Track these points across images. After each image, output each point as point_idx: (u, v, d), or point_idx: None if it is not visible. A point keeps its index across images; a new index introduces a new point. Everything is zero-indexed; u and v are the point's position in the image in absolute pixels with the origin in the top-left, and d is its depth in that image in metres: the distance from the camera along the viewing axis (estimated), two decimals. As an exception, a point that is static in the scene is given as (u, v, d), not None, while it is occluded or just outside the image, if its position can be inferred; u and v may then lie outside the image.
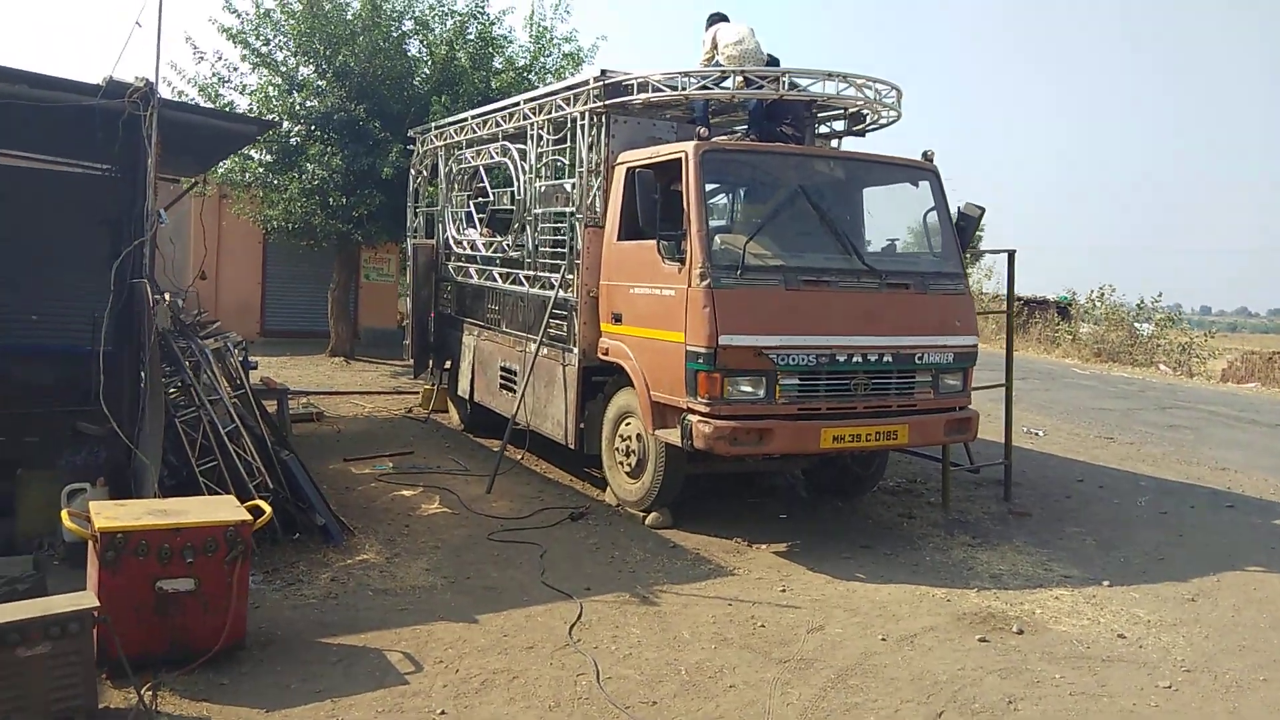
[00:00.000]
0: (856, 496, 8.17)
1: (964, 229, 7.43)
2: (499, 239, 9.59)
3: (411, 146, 12.31)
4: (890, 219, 7.62)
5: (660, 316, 6.76)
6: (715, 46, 7.40)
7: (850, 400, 6.67)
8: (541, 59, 16.01)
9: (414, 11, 15.64)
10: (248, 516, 4.45)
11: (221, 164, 14.02)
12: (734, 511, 7.73)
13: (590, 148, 7.70)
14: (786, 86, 6.92)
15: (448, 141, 10.79)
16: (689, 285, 6.44)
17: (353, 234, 15.24)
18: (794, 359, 6.42)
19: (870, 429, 6.67)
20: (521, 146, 9.00)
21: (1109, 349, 25.33)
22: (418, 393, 13.30)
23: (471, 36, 15.46)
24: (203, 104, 14.39)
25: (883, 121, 7.67)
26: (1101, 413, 13.59)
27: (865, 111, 7.62)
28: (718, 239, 6.53)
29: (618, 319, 7.32)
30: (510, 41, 15.92)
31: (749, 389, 6.40)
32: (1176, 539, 7.35)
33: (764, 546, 6.81)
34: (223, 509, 4.55)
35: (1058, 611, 5.71)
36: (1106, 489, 8.92)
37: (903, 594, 5.92)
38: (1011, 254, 8.16)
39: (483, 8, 15.34)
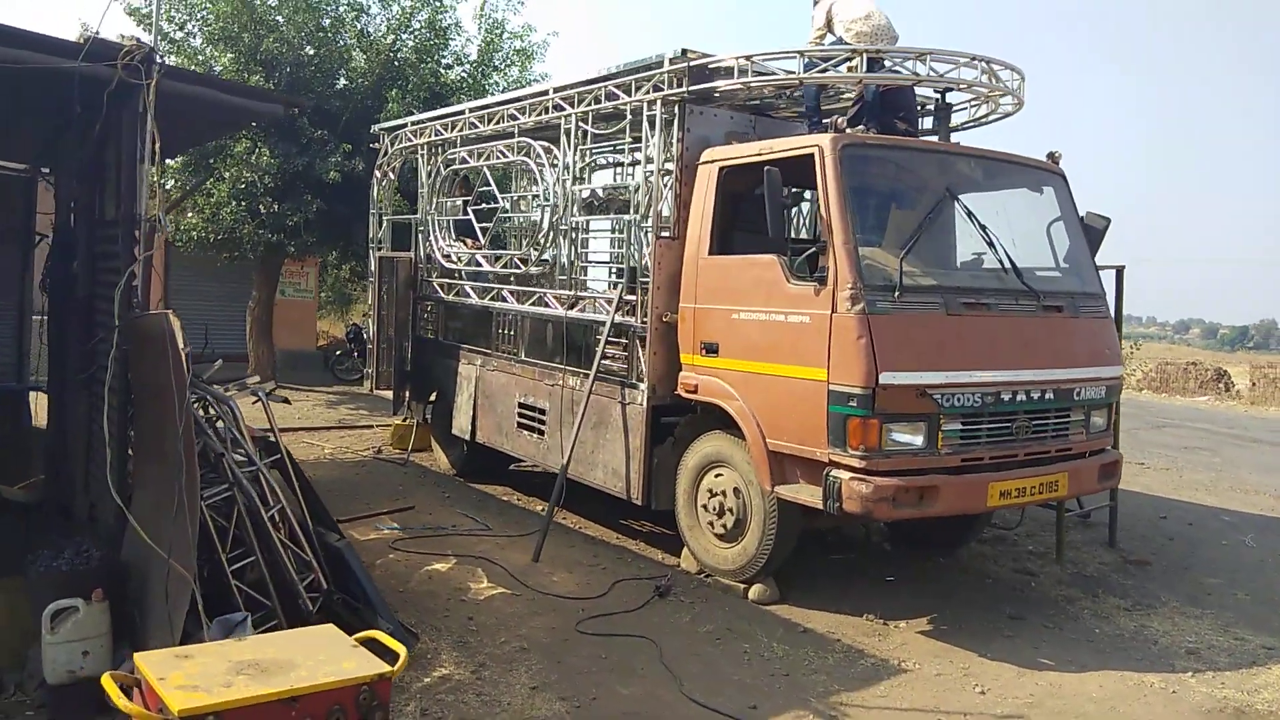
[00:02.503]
0: (955, 548, 7.12)
1: (1089, 242, 6.49)
2: (511, 252, 8.18)
3: (374, 145, 10.66)
4: (1003, 229, 6.57)
5: (784, 348, 5.53)
6: (830, 22, 6.23)
7: (1011, 447, 5.59)
8: (492, 53, 14.52)
9: (350, -6, 13.95)
10: (382, 666, 2.99)
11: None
12: (830, 575, 6.57)
13: (663, 144, 6.41)
14: (926, 70, 5.78)
15: (430, 140, 9.26)
16: (833, 310, 5.23)
17: (285, 245, 13.40)
18: (959, 399, 5.29)
19: (1034, 481, 5.61)
20: (546, 144, 7.62)
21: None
22: (373, 427, 11.71)
23: (418, 25, 13.88)
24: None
25: (1001, 113, 6.63)
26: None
27: (979, 103, 6.57)
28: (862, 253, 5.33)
29: (710, 350, 6.05)
30: (460, 33, 14.39)
31: (908, 437, 5.24)
32: (1330, 588, 6.58)
33: (903, 624, 5.67)
34: (338, 653, 3.07)
35: (1307, 700, 4.76)
36: (1197, 526, 8.15)
37: (1115, 686, 4.87)
38: (1120, 270, 7.25)
39: (432, -9, 13.73)
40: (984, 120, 6.77)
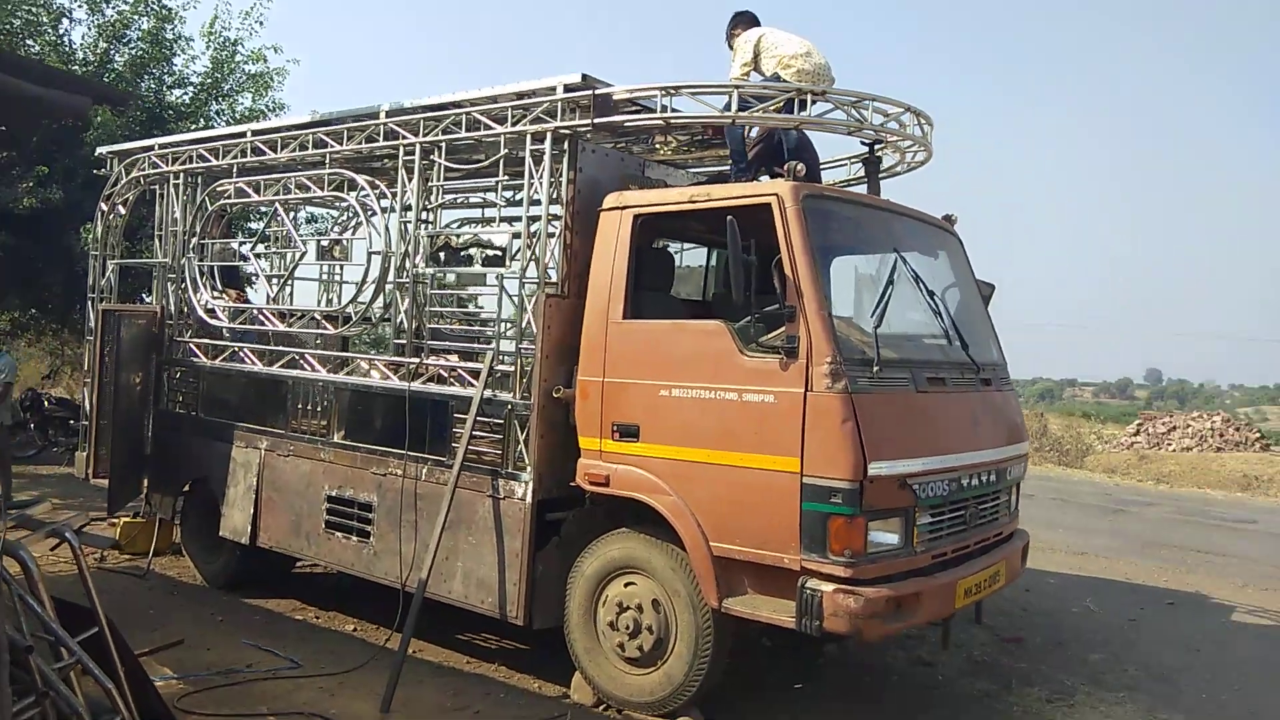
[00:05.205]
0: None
1: (977, 311, 6.22)
2: (317, 309, 6.65)
3: (98, 172, 8.48)
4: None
5: (737, 432, 4.61)
6: (757, 57, 5.48)
7: (965, 537, 5.05)
8: (227, 75, 12.49)
9: (46, -4, 11.39)
10: None
11: None
12: (733, 686, 5.65)
13: (550, 183, 5.34)
14: (868, 118, 5.17)
15: (189, 168, 7.44)
16: (808, 388, 4.41)
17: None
18: (933, 488, 4.66)
19: (985, 573, 5.09)
20: (370, 178, 6.26)
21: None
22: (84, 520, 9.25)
23: (135, 36, 11.59)
24: None
25: (906, 165, 6.17)
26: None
27: (889, 152, 6.07)
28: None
29: (628, 433, 4.99)
30: (186, 49, 12.21)
31: (886, 535, 4.51)
32: (1194, 654, 6.68)
33: (853, 747, 4.91)
34: None
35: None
36: (1034, 593, 8.18)
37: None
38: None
39: None
40: (895, 171, 6.30)
